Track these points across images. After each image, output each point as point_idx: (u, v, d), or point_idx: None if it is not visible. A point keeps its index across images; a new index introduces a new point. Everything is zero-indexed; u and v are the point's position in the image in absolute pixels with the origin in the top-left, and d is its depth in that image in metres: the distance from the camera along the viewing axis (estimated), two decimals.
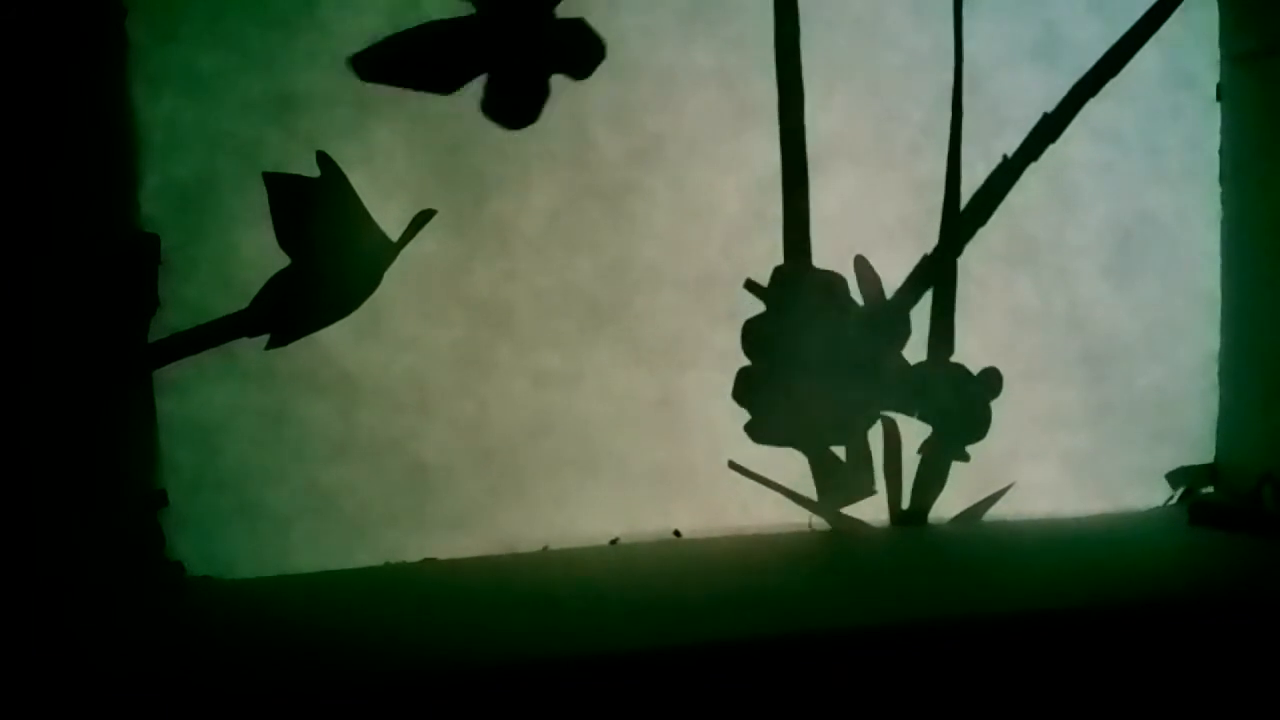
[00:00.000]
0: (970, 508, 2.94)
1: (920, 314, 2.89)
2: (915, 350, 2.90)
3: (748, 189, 2.78)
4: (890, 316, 2.88)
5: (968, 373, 2.92)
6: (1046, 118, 2.92)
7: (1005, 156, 2.91)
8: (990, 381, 2.92)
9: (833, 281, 2.84)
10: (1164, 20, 2.98)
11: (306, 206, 2.54)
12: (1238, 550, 2.67)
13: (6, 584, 2.17)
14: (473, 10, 2.60)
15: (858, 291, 2.85)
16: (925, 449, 2.90)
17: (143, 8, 2.44)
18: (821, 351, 2.82)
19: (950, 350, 2.91)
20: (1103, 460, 3.01)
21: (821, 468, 2.86)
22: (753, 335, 2.80)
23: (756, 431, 2.82)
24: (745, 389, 2.80)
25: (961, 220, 2.90)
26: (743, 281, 2.78)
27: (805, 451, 2.85)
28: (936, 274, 2.89)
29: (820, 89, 2.79)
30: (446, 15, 2.59)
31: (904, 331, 2.89)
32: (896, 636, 2.11)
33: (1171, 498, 3.07)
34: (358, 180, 2.57)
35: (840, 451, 2.87)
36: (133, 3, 2.44)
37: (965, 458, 2.92)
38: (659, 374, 2.75)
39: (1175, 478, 3.07)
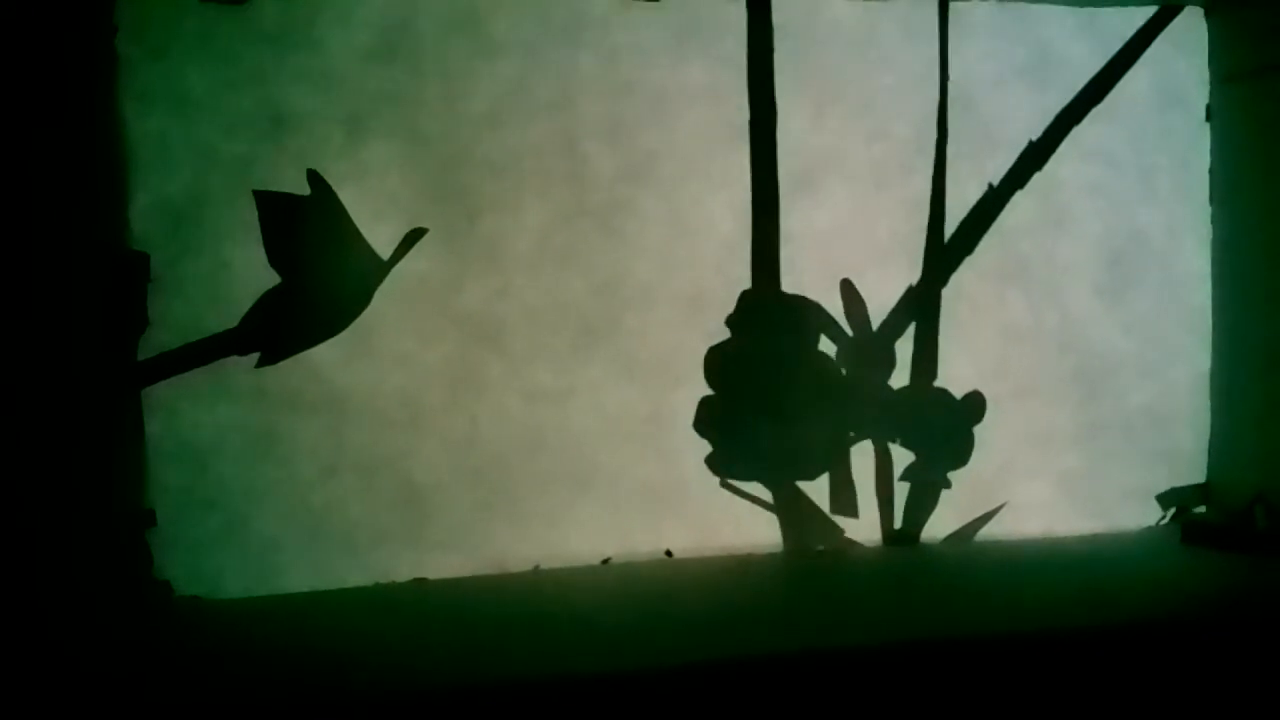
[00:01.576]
0: (962, 527, 2.93)
1: (905, 338, 2.89)
2: (899, 375, 2.88)
3: (740, 206, 2.78)
4: (873, 345, 2.85)
5: (951, 398, 2.90)
6: (1032, 144, 2.92)
7: (990, 185, 2.91)
8: (973, 407, 2.91)
9: (802, 306, 2.81)
10: (1153, 40, 2.99)
11: (297, 224, 2.54)
12: (1230, 569, 2.66)
13: None
14: None
15: (843, 316, 2.83)
16: (908, 475, 2.89)
17: (133, 25, 2.44)
18: (787, 379, 2.78)
19: (933, 377, 2.89)
20: (1095, 479, 3.01)
21: (784, 505, 2.82)
22: (715, 363, 2.76)
23: (716, 465, 2.77)
24: (705, 419, 2.76)
25: (950, 245, 2.89)
26: (736, 299, 2.77)
27: (768, 487, 2.82)
28: (921, 303, 2.88)
29: (812, 107, 2.80)
30: (440, 32, 2.60)
31: (889, 360, 2.86)
32: (889, 656, 2.10)
33: (1164, 517, 3.07)
34: (348, 198, 2.57)
35: (806, 487, 2.83)
36: (123, 20, 2.44)
37: (948, 484, 2.90)
38: (651, 391, 2.75)
39: (1167, 497, 3.06)
